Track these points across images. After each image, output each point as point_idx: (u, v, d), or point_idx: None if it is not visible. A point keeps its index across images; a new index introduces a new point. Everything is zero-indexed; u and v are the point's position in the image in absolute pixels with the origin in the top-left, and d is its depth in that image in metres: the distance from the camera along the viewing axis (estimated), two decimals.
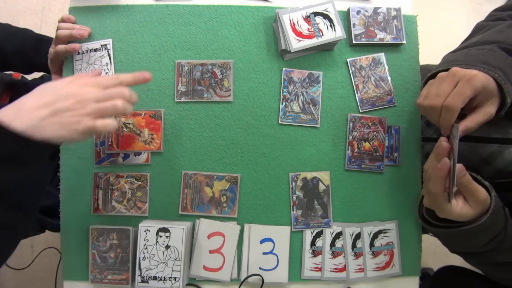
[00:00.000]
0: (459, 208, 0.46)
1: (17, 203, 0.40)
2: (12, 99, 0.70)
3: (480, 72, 0.43)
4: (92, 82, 0.43)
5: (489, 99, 0.45)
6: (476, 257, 0.53)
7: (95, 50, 0.59)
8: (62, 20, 0.59)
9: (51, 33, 0.66)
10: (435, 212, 0.49)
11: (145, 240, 0.53)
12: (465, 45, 0.53)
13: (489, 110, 0.45)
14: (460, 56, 0.50)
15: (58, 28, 0.58)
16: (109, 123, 0.42)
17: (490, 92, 0.44)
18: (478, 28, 0.57)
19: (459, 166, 0.45)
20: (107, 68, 0.59)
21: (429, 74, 0.52)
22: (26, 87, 0.76)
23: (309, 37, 0.56)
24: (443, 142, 0.46)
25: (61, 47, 0.57)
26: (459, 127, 0.45)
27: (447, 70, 0.47)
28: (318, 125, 0.60)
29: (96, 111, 0.41)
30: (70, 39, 0.58)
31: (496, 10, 0.58)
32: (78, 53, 0.59)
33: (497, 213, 0.46)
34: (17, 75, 0.77)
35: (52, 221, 0.69)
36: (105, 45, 0.59)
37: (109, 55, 0.59)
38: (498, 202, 0.46)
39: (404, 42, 0.61)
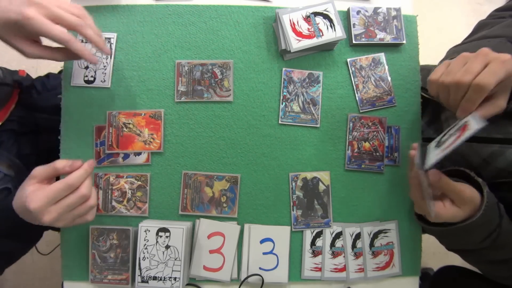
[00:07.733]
0: (445, 210, 0.46)
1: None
2: (20, 96, 0.70)
3: None
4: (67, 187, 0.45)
5: (504, 91, 0.43)
6: (472, 254, 0.53)
7: None
8: None
9: None
10: None
11: (145, 240, 0.53)
12: (472, 39, 0.52)
13: (500, 103, 0.43)
14: (470, 47, 0.48)
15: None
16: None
17: (510, 82, 0.42)
18: (481, 26, 0.57)
19: (431, 172, 0.45)
20: (106, 62, 0.59)
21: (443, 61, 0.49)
22: (33, 84, 0.76)
23: (309, 37, 0.56)
24: (410, 150, 0.47)
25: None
26: (477, 113, 0.42)
27: None
28: (318, 125, 0.60)
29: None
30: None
31: (497, 10, 0.58)
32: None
33: (491, 210, 0.45)
34: (22, 72, 0.77)
35: None
36: (109, 38, 0.59)
37: (111, 49, 0.58)
38: (492, 198, 0.46)
39: (404, 42, 0.61)
